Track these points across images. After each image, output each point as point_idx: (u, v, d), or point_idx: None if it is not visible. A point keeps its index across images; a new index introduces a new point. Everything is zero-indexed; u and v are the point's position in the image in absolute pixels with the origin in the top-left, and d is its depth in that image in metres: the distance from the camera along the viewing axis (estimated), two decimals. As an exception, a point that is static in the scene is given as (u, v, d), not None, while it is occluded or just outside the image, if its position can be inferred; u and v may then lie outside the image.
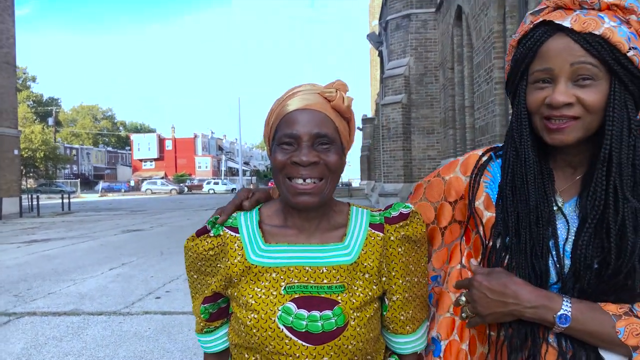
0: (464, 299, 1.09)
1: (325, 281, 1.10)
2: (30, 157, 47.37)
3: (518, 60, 1.09)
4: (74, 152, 75.68)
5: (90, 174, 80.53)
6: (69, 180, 57.14)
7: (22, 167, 42.86)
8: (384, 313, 1.19)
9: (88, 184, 68.85)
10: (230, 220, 1.19)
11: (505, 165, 1.14)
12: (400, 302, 1.17)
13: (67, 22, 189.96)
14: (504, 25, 8.47)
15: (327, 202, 1.17)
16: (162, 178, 64.43)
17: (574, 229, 1.06)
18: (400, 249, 1.16)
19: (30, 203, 25.42)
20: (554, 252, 1.05)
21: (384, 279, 1.15)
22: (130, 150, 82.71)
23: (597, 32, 1.00)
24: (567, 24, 1.02)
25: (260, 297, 1.10)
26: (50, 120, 63.99)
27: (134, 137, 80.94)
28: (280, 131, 1.11)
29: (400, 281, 1.16)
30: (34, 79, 66.77)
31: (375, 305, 1.15)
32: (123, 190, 56.71)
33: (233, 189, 55.73)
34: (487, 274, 1.06)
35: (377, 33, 19.14)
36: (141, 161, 78.18)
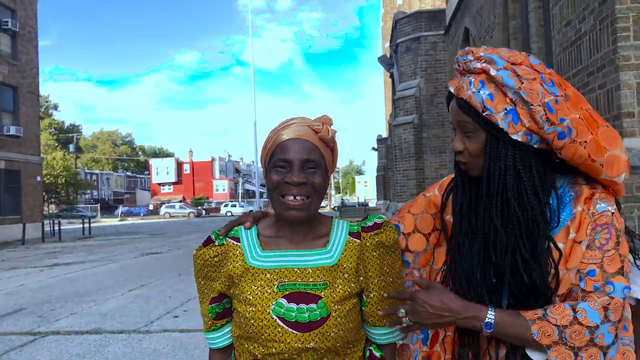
0: (403, 311, 1.28)
1: (311, 280, 1.32)
2: (52, 183, 48.42)
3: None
4: (94, 177, 77.09)
5: (110, 198, 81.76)
6: (89, 205, 58.17)
7: (44, 193, 43.82)
8: (363, 308, 1.40)
9: (108, 208, 69.89)
10: (233, 232, 1.42)
11: (456, 190, 1.41)
12: (377, 299, 1.38)
13: (87, 53, 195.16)
14: (508, 47, 8.68)
15: (314, 216, 1.39)
16: (181, 201, 65.08)
17: None
18: (375, 253, 1.37)
19: (52, 228, 26.01)
20: (493, 265, 1.29)
21: (361, 278, 1.37)
22: (149, 174, 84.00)
23: (464, 97, 1.27)
24: (452, 89, 1.33)
25: (257, 293, 1.31)
26: (72, 147, 65.41)
27: (152, 161, 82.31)
28: (276, 156, 1.33)
29: (376, 280, 1.37)
30: (55, 107, 68.67)
31: (354, 300, 1.36)
32: (142, 214, 57.50)
33: (250, 211, 56.06)
34: (427, 291, 1.27)
35: (388, 56, 19.48)
36: (160, 185, 79.31)
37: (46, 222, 27.23)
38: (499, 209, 1.26)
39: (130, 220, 47.97)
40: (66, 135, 70.27)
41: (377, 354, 1.42)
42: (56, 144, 63.01)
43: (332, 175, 1.48)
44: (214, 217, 52.20)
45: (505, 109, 1.22)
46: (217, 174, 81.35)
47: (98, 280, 10.31)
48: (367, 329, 1.43)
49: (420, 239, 1.50)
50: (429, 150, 14.11)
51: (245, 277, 1.35)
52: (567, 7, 5.97)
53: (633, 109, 4.82)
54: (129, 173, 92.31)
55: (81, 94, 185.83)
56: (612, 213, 1.24)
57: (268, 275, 1.33)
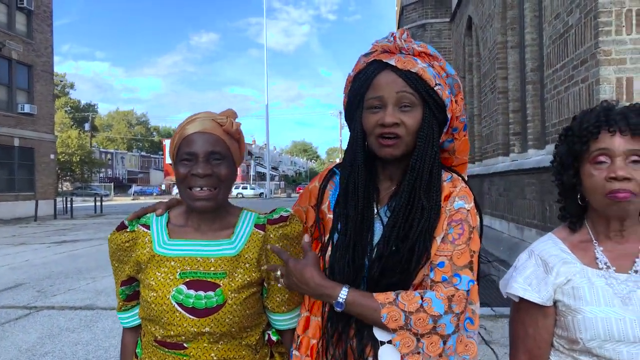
0: (279, 272, 1.37)
1: (212, 269, 1.41)
2: (67, 161, 49.11)
3: (355, 91, 1.39)
4: (109, 156, 77.99)
5: (124, 177, 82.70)
6: (103, 184, 58.97)
7: (59, 171, 44.46)
8: (264, 295, 1.50)
9: (122, 187, 70.77)
10: (144, 220, 1.51)
11: (342, 177, 1.44)
12: (277, 287, 1.46)
13: (105, 33, 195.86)
14: (505, 36, 8.65)
15: (222, 206, 1.47)
16: (193, 182, 65.29)
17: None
18: (278, 244, 1.45)
19: (64, 205, 26.50)
20: (368, 248, 1.34)
21: (263, 267, 1.45)
22: (162, 155, 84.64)
23: (413, 70, 1.32)
24: (392, 62, 1.33)
25: (160, 279, 1.40)
26: (87, 126, 66.12)
27: (166, 142, 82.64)
28: (182, 149, 1.41)
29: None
30: (72, 86, 69.30)
31: (254, 289, 1.44)
32: (155, 194, 58.08)
33: (261, 194, 56.45)
34: (297, 261, 1.32)
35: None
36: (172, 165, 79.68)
37: (60, 199, 27.73)
38: (410, 193, 1.32)
39: (142, 200, 48.54)
40: (82, 114, 71.00)
41: (274, 338, 1.51)
42: (72, 123, 63.73)
43: (239, 165, 1.57)
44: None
45: (446, 90, 1.36)
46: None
47: (100, 258, 10.57)
48: (269, 315, 1.51)
49: (307, 233, 1.52)
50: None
51: (151, 264, 1.43)
52: (557, -1, 5.95)
53: (611, 104, 4.85)
54: (143, 153, 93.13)
55: (98, 73, 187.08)
56: (468, 210, 1.32)
57: (172, 263, 1.42)
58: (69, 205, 25.65)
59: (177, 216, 1.53)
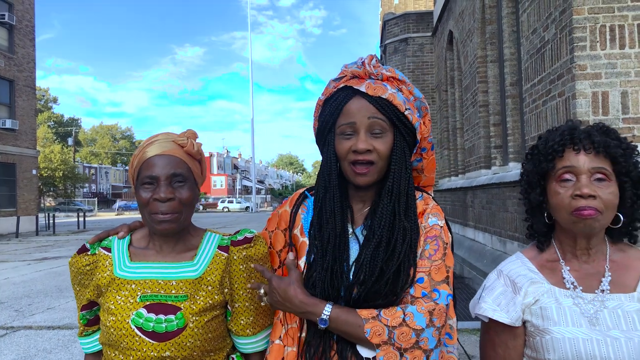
0: (262, 291, 1.36)
1: (173, 292, 1.39)
2: (49, 176, 48.47)
3: (327, 117, 1.40)
4: (93, 171, 77.17)
5: (109, 192, 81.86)
6: (87, 199, 58.26)
7: (41, 186, 43.86)
8: (229, 318, 1.47)
9: (106, 202, 70.06)
10: (106, 242, 1.49)
11: (316, 200, 1.44)
12: (241, 309, 1.45)
13: (88, 46, 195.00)
14: (485, 51, 8.76)
15: (184, 227, 1.46)
16: (178, 196, 64.86)
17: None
18: (241, 266, 1.44)
19: (47, 221, 26.13)
20: (346, 268, 1.34)
21: (226, 290, 1.44)
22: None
23: (384, 96, 1.34)
24: (362, 89, 1.35)
25: (120, 303, 1.38)
26: (70, 140, 65.45)
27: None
28: (142, 173, 1.39)
29: (241, 292, 1.44)
30: (55, 100, 68.69)
31: (217, 312, 1.43)
32: (139, 209, 57.32)
33: (247, 207, 56.16)
34: (280, 279, 1.32)
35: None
36: (158, 180, 79.06)
37: (42, 215, 27.34)
38: (392, 215, 1.33)
39: (127, 215, 48.06)
40: (65, 129, 70.33)
41: None
42: (55, 137, 63.07)
43: (201, 185, 1.56)
44: (211, 213, 52.26)
45: (415, 114, 1.39)
46: (215, 169, 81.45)
47: (81, 275, 10.41)
48: (234, 338, 1.49)
49: (273, 256, 1.54)
50: (415, 151, 14.20)
51: (111, 287, 1.41)
52: (534, 15, 6.06)
53: (588, 117, 4.91)
54: (127, 167, 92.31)
55: (82, 87, 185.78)
56: (441, 227, 1.35)
57: (133, 286, 1.40)
58: (51, 221, 25.29)
59: (139, 239, 1.51)
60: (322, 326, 1.26)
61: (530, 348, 1.35)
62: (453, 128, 11.96)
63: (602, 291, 1.31)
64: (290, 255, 1.38)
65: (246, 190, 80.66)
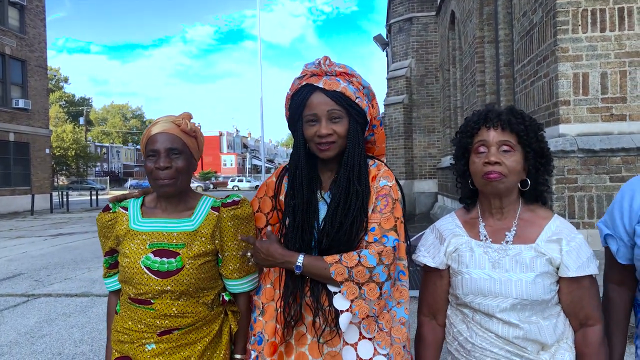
0: (249, 253, 1.74)
1: (174, 241, 1.77)
2: (62, 155, 49.21)
3: (294, 109, 1.76)
4: (104, 150, 78.11)
5: (120, 171, 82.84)
6: (99, 178, 59.16)
7: (54, 165, 44.58)
8: (220, 263, 1.85)
9: (118, 181, 70.95)
10: (124, 203, 1.88)
11: (290, 174, 1.81)
12: (229, 257, 1.82)
13: (99, 24, 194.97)
14: (483, 32, 8.97)
15: (184, 191, 1.83)
16: (189, 175, 65.46)
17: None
18: (229, 223, 1.81)
19: (60, 199, 26.77)
20: (315, 225, 1.71)
21: (217, 241, 1.81)
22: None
23: (338, 90, 1.70)
24: (320, 85, 1.71)
25: (133, 249, 1.76)
26: (82, 120, 66.15)
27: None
28: (148, 147, 1.77)
29: (230, 243, 1.81)
30: (66, 80, 69.15)
31: (209, 258, 1.79)
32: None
33: (256, 186, 56.75)
34: (262, 241, 1.71)
35: (384, 36, 19.64)
36: (169, 159, 79.53)
37: (55, 193, 27.97)
38: (347, 182, 1.68)
39: (138, 193, 48.62)
40: (77, 108, 70.94)
41: (227, 298, 1.87)
42: (66, 117, 63.71)
43: (199, 157, 1.92)
44: (221, 191, 52.91)
45: (364, 100, 1.74)
46: (224, 148, 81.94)
47: (95, 249, 10.90)
48: (224, 280, 1.86)
49: (261, 217, 1.89)
50: (418, 130, 14.46)
51: (127, 237, 1.80)
52: (524, -2, 6.28)
53: (569, 97, 5.19)
54: (139, 146, 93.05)
55: (93, 67, 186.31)
56: (390, 186, 1.71)
57: (143, 236, 1.78)
58: (65, 199, 25.92)
59: (150, 201, 1.90)
60: (298, 272, 1.63)
61: (452, 287, 1.71)
62: (454, 107, 12.19)
63: (507, 242, 1.65)
64: (269, 228, 1.77)
65: (256, 169, 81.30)
